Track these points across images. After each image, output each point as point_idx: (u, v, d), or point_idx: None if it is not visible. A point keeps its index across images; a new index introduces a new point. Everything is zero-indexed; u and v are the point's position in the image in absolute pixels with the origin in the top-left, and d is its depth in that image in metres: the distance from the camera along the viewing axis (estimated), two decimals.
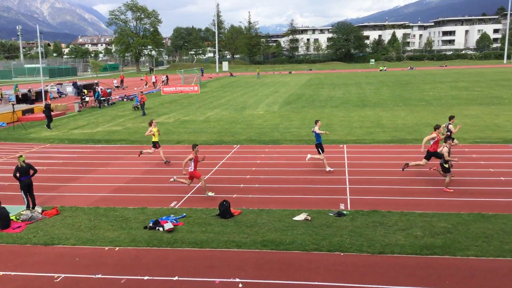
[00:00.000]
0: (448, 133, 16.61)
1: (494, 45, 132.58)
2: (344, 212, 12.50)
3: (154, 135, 18.67)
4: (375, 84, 54.29)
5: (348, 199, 13.76)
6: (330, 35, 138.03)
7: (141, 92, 36.53)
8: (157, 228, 11.74)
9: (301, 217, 12.10)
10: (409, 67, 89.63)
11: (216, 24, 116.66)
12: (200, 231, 11.51)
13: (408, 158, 18.46)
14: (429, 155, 15.21)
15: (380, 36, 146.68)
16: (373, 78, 64.82)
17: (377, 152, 19.86)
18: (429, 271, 9.06)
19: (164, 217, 12.43)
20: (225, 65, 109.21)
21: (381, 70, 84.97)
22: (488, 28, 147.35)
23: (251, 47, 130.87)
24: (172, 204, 13.78)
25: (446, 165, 13.94)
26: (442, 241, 10.37)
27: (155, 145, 18.77)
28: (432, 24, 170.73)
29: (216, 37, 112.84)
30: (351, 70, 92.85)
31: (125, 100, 45.31)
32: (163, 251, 10.54)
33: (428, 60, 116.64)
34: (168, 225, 11.67)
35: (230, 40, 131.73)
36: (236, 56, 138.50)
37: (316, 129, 16.56)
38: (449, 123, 17.35)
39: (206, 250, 10.46)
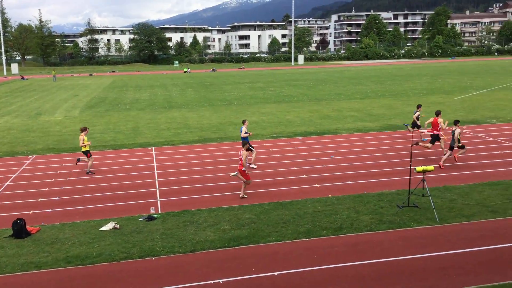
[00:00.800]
0: (417, 120, 20.27)
1: (283, 49, 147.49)
2: (155, 215, 12.36)
3: (84, 143, 16.64)
4: (181, 86, 55.24)
5: (159, 201, 13.66)
6: (132, 36, 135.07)
7: None
8: None
9: (109, 226, 11.53)
10: (211, 69, 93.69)
11: (0, 22, 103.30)
12: None
13: (215, 156, 19.25)
14: (434, 139, 17.42)
15: (182, 38, 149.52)
16: (178, 80, 65.87)
17: (185, 152, 20.20)
18: (236, 262, 9.57)
19: None
20: (15, 67, 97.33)
21: (185, 72, 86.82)
22: (277, 34, 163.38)
23: (45, 48, 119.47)
24: None
25: (460, 144, 16.09)
26: (247, 232, 11.08)
27: (87, 154, 16.91)
28: (229, 28, 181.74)
29: (1, 37, 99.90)
30: (156, 72, 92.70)
31: None
32: None
33: (228, 63, 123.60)
34: None
35: (19, 40, 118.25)
36: (28, 57, 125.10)
37: (244, 128, 16.97)
38: (417, 111, 20.40)
39: None
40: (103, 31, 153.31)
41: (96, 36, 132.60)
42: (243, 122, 17.63)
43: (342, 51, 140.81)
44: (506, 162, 16.78)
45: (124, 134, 24.65)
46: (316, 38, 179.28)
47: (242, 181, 13.87)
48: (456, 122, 16.28)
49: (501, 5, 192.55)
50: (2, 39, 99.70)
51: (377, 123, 25.87)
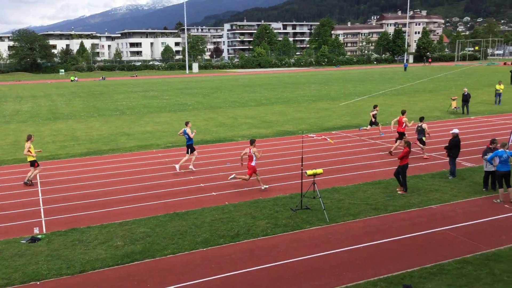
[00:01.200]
0: (373, 118, 22.54)
1: (177, 57, 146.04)
2: (39, 236, 11.42)
3: (31, 153, 16.10)
4: (67, 95, 52.08)
5: (43, 221, 12.65)
6: (12, 43, 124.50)
7: None
8: None
9: None
10: (101, 77, 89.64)
11: None
12: None
13: (106, 169, 18.37)
14: (401, 135, 18.96)
15: (68, 45, 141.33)
16: (65, 89, 62.06)
17: (73, 166, 19.00)
18: (130, 279, 9.16)
19: None
20: None
21: (72, 80, 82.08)
22: (170, 41, 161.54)
23: None
24: None
25: (424, 139, 18.01)
26: (142, 246, 10.68)
27: (34, 164, 16.19)
28: (119, 35, 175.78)
29: None
30: (40, 81, 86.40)
31: None
32: None
33: (119, 71, 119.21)
34: None
35: None
36: None
37: (188, 130, 17.09)
38: (374, 111, 22.58)
39: None
40: None
41: None
42: (186, 123, 17.56)
43: (236, 60, 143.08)
44: (386, 162, 18.22)
45: (2, 150, 22.56)
46: (210, 46, 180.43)
47: (241, 178, 14.69)
48: (421, 119, 18.36)
49: (378, 17, 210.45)
50: None
51: (271, 130, 26.63)
